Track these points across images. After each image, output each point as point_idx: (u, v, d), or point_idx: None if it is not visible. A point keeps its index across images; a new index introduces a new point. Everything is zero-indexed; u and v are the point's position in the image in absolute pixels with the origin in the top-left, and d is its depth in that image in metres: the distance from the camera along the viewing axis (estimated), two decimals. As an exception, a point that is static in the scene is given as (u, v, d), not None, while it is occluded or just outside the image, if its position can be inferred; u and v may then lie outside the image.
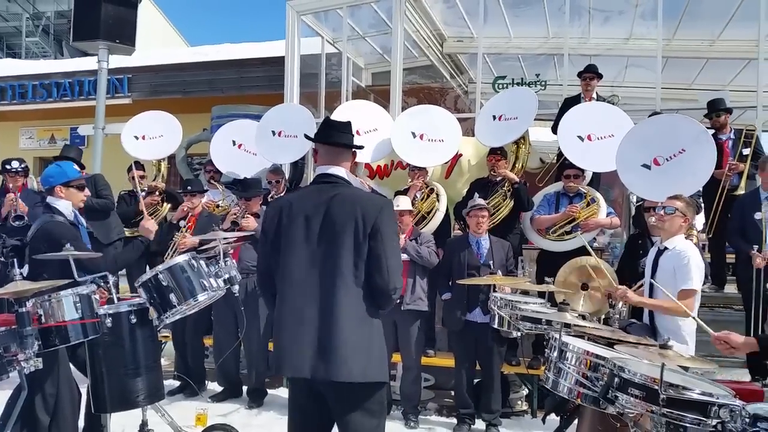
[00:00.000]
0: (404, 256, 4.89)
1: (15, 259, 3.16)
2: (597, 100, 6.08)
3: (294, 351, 2.47)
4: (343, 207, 2.50)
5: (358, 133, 5.74)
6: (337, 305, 2.45)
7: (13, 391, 3.34)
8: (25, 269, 3.20)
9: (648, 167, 4.79)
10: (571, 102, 6.13)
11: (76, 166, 3.88)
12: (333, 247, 2.48)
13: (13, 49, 22.58)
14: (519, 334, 3.88)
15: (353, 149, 2.72)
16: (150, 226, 4.05)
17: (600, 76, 6.21)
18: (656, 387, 2.33)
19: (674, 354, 2.46)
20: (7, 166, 5.89)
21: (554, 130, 6.04)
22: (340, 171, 2.64)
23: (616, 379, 2.50)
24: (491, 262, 4.74)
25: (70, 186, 3.74)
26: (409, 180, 5.62)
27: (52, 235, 3.50)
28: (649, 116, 5.73)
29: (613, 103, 6.16)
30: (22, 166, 6.00)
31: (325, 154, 2.68)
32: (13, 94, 13.23)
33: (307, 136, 2.79)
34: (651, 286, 3.87)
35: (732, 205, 5.51)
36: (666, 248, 3.85)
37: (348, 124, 2.76)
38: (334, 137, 2.68)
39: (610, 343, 3.15)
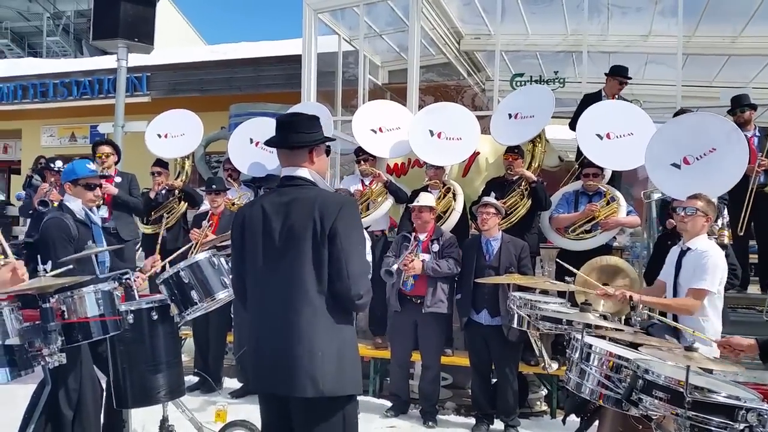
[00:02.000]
0: (425, 257, 4.89)
1: (35, 256, 3.19)
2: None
3: (257, 365, 2.39)
4: (301, 210, 2.39)
5: (380, 130, 5.77)
6: (298, 317, 2.33)
7: (37, 386, 3.38)
8: (49, 265, 3.22)
9: (678, 166, 4.72)
10: (591, 98, 6.05)
11: (90, 165, 3.86)
12: (292, 255, 2.36)
13: (35, 48, 22.89)
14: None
15: (314, 144, 2.52)
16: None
17: (628, 79, 6.09)
18: (681, 389, 2.30)
19: (700, 356, 2.42)
20: (51, 164, 6.07)
21: (572, 126, 5.98)
22: (303, 172, 2.49)
23: (640, 381, 2.47)
24: (497, 265, 4.71)
25: (78, 183, 3.74)
26: (426, 179, 5.61)
27: (45, 234, 3.54)
28: (675, 114, 5.64)
29: None
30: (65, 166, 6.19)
31: (282, 157, 2.55)
32: (35, 93, 13.41)
33: (267, 143, 2.62)
34: (674, 288, 3.83)
35: (760, 203, 5.46)
36: (689, 248, 3.81)
37: (302, 119, 2.59)
38: (280, 139, 2.53)
39: (632, 344, 3.12)
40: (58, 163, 6.19)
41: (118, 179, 5.95)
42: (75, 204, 3.72)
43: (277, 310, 2.37)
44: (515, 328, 3.95)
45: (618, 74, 6.00)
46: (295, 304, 2.35)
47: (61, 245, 3.45)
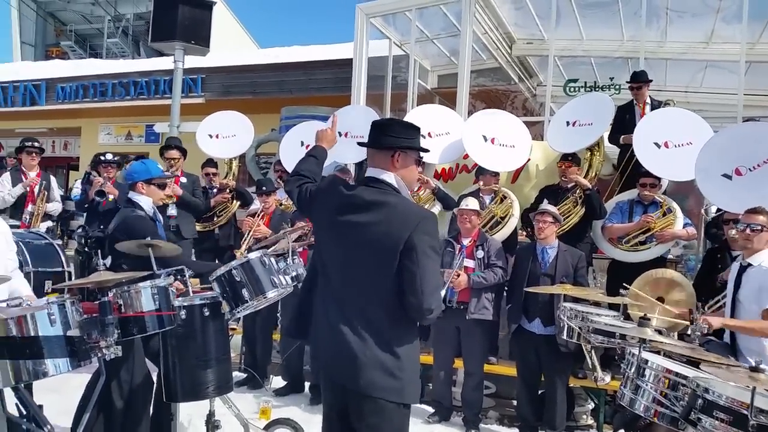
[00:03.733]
0: (469, 263, 4.85)
1: (99, 251, 3.30)
2: (651, 106, 5.86)
3: (326, 356, 2.45)
4: (380, 217, 2.37)
5: (429, 135, 5.74)
6: (366, 320, 2.35)
7: (92, 376, 3.48)
8: (108, 260, 3.32)
9: (729, 177, 4.56)
10: (623, 110, 5.96)
11: (160, 165, 4.03)
12: (368, 259, 2.37)
13: (95, 49, 23.79)
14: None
15: (397, 148, 2.48)
16: None
17: (648, 82, 5.96)
18: (745, 412, 2.20)
19: (766, 378, 2.30)
20: (102, 158, 6.30)
21: (611, 139, 5.85)
22: (389, 177, 2.47)
23: (700, 401, 2.37)
24: (553, 273, 4.61)
25: (152, 183, 3.89)
26: (481, 183, 5.55)
27: (134, 228, 3.64)
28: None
29: None
30: (116, 158, 6.42)
31: (370, 158, 2.56)
32: (94, 93, 13.94)
33: (360, 143, 2.69)
34: (733, 304, 3.68)
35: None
36: (750, 264, 3.66)
37: (395, 123, 2.60)
38: (369, 138, 2.54)
39: (689, 361, 3.00)
40: (108, 155, 6.44)
41: (183, 180, 6.11)
42: (145, 201, 3.86)
43: (348, 311, 2.39)
44: (565, 338, 3.86)
45: (631, 81, 5.98)
46: (366, 309, 2.37)
47: (152, 238, 3.56)
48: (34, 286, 3.59)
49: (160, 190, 3.93)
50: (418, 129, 2.61)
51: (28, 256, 3.78)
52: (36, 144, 6.64)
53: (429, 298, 2.32)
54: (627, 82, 6.09)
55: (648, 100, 5.90)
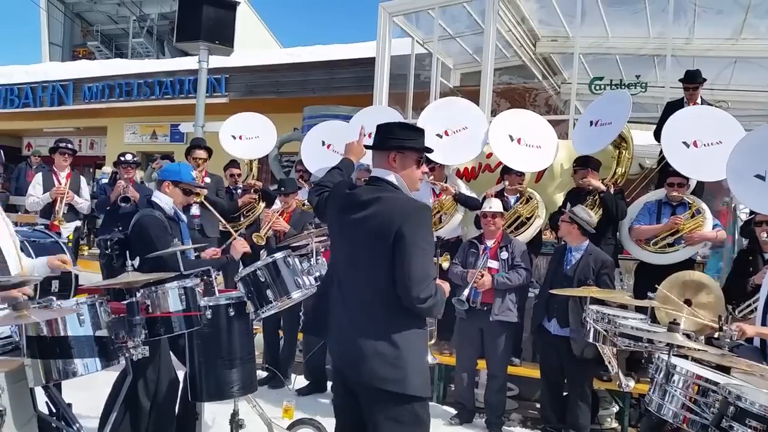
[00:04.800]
0: (493, 264, 4.83)
1: (125, 252, 3.33)
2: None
3: (333, 350, 2.61)
4: (375, 211, 2.49)
5: (446, 133, 5.69)
6: (367, 313, 2.46)
7: (119, 375, 3.52)
8: (137, 261, 3.36)
9: (762, 178, 4.45)
10: (673, 106, 5.81)
11: (194, 173, 4.05)
12: (365, 252, 2.48)
13: (121, 49, 24.09)
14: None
15: (392, 149, 2.58)
16: (239, 247, 4.02)
17: (703, 81, 5.82)
18: (779, 420, 2.15)
19: (800, 385, 2.25)
20: (122, 158, 6.40)
21: (656, 136, 5.74)
22: (390, 176, 2.58)
23: (731, 408, 2.32)
24: (572, 276, 4.56)
25: (179, 186, 3.91)
26: (507, 183, 5.51)
27: (142, 229, 3.66)
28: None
29: None
30: (135, 159, 6.51)
31: (374, 159, 2.68)
32: (120, 92, 14.12)
33: (366, 146, 2.85)
34: (765, 308, 3.59)
35: None
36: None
37: (396, 125, 2.68)
38: (375, 141, 2.65)
39: (718, 366, 2.94)
40: (128, 156, 6.53)
41: (207, 180, 6.17)
42: (165, 201, 3.87)
43: (351, 305, 2.53)
44: (590, 342, 3.80)
45: (687, 81, 5.78)
46: (367, 301, 2.48)
47: (163, 239, 3.58)
48: (41, 287, 3.55)
49: (184, 195, 3.95)
50: (419, 130, 2.69)
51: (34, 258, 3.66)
52: (69, 145, 6.80)
53: (417, 285, 2.38)
54: (680, 80, 5.89)
55: (699, 101, 5.76)
